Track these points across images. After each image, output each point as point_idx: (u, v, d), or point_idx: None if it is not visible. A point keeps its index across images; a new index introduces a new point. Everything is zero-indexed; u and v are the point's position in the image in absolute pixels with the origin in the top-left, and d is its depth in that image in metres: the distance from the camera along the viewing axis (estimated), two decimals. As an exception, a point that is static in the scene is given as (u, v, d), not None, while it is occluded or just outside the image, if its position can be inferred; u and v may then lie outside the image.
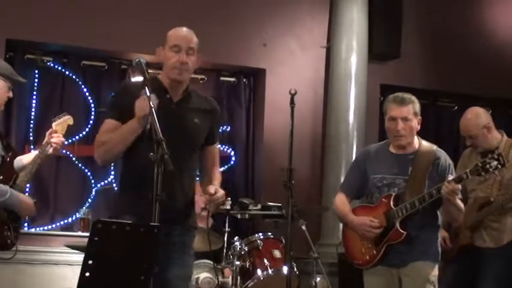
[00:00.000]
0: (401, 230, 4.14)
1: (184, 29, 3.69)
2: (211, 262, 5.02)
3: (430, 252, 4.20)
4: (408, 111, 4.19)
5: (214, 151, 3.87)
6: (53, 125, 4.47)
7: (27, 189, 6.18)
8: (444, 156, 4.29)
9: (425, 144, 4.29)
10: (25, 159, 4.57)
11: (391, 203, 4.17)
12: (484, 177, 4.42)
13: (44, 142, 4.44)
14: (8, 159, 4.45)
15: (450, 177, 4.08)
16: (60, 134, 4.43)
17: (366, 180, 4.27)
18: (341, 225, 6.77)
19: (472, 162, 4.57)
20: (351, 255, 4.34)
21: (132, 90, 3.58)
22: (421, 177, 4.17)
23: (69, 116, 4.53)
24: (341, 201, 4.38)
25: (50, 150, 4.41)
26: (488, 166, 4.01)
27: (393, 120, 4.18)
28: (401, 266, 4.17)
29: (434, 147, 4.30)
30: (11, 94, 4.50)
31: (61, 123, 4.47)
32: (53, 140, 4.40)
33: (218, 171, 3.86)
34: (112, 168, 6.68)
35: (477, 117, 4.77)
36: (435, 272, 4.17)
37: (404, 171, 4.20)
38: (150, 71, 3.60)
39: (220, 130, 4.12)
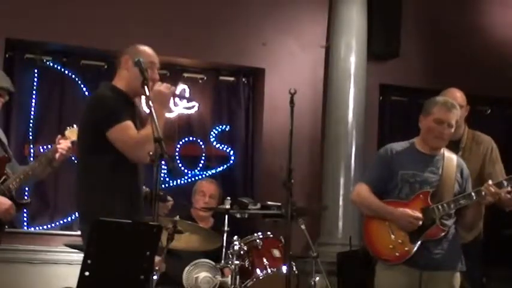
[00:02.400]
0: (442, 227, 4.16)
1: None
2: (211, 261, 5.03)
3: (461, 260, 4.25)
4: (454, 118, 4.25)
5: None
6: (66, 132, 4.51)
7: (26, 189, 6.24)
8: (465, 165, 4.39)
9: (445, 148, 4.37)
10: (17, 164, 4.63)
11: (429, 199, 4.18)
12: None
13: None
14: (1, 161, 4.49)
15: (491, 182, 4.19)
16: (68, 140, 4.46)
17: (392, 176, 4.25)
18: (341, 224, 6.89)
19: None
20: (376, 250, 4.27)
21: (119, 97, 3.80)
22: (452, 178, 4.24)
23: None
24: (369, 193, 4.29)
25: (56, 156, 4.45)
26: None
27: (441, 124, 4.21)
28: (430, 270, 4.15)
29: (454, 155, 4.37)
30: (3, 99, 4.55)
31: (75, 130, 4.50)
32: (59, 145, 4.44)
33: None
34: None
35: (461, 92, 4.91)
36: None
37: (436, 171, 4.24)
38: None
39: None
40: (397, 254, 4.17)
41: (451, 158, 4.32)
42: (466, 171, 4.36)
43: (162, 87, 3.76)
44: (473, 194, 4.17)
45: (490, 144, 4.86)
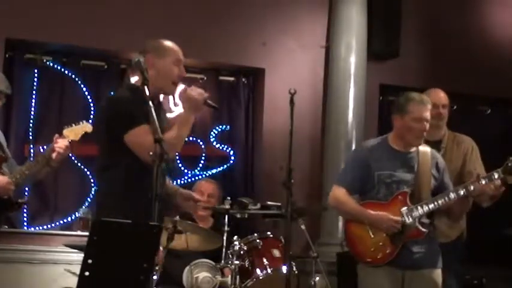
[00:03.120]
0: (422, 228, 4.17)
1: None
2: (211, 261, 5.03)
3: (440, 257, 4.27)
4: (429, 113, 4.27)
5: None
6: (64, 131, 4.49)
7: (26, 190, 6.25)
8: (440, 157, 4.40)
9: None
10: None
11: (407, 200, 4.18)
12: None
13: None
14: None
15: (479, 174, 4.22)
16: (66, 139, 4.44)
17: (368, 176, 4.25)
18: (341, 224, 6.87)
19: None
20: (358, 252, 4.29)
21: (137, 97, 3.64)
22: (428, 175, 4.24)
23: (86, 123, 4.55)
24: (346, 196, 4.29)
25: (54, 155, 4.43)
26: None
27: (420, 121, 4.20)
28: (412, 269, 4.17)
29: (428, 147, 4.36)
30: (0, 102, 4.56)
31: (74, 129, 4.49)
32: (56, 145, 4.42)
33: None
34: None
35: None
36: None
37: (411, 169, 4.25)
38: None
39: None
40: (378, 256, 4.18)
41: (425, 152, 4.31)
42: (441, 163, 4.36)
43: (195, 92, 3.68)
44: (451, 193, 4.18)
45: (471, 144, 4.91)
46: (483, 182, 4.16)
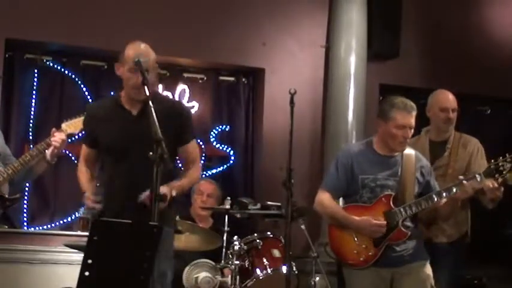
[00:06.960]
0: (404, 230, 4.17)
1: (142, 46, 3.87)
2: (211, 261, 5.03)
3: (425, 251, 4.28)
4: (414, 119, 4.24)
5: (188, 150, 3.91)
6: (63, 124, 4.46)
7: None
8: (425, 159, 4.41)
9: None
10: None
11: (391, 203, 4.18)
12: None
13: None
14: None
15: (461, 177, 4.23)
16: (64, 133, 4.40)
17: (353, 180, 4.27)
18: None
19: (424, 150, 4.65)
20: (342, 255, 4.31)
21: (94, 113, 3.84)
22: (411, 179, 4.25)
23: None
24: (330, 201, 4.33)
25: (50, 150, 4.40)
26: (502, 168, 4.12)
27: (403, 128, 4.19)
28: (399, 266, 4.19)
29: (413, 150, 4.35)
30: None
31: (74, 122, 4.46)
32: (53, 138, 4.38)
33: (194, 170, 3.91)
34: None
35: None
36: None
37: (395, 173, 4.25)
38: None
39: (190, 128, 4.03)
40: (361, 258, 4.20)
41: (409, 155, 4.31)
42: (426, 166, 4.36)
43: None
44: (434, 196, 4.18)
45: (477, 145, 4.91)
46: (466, 183, 4.18)
